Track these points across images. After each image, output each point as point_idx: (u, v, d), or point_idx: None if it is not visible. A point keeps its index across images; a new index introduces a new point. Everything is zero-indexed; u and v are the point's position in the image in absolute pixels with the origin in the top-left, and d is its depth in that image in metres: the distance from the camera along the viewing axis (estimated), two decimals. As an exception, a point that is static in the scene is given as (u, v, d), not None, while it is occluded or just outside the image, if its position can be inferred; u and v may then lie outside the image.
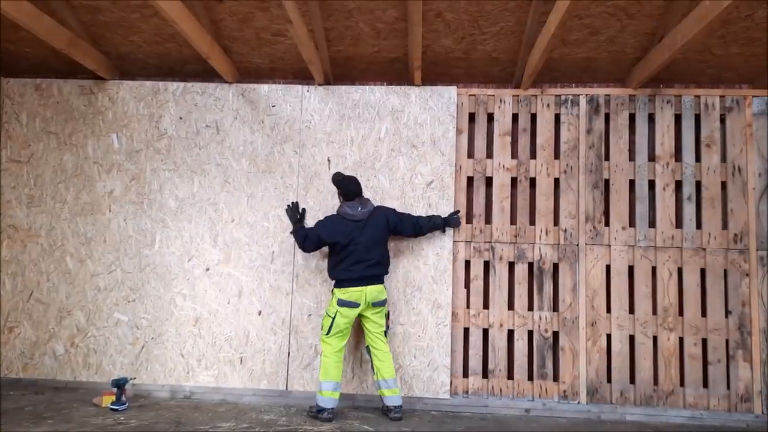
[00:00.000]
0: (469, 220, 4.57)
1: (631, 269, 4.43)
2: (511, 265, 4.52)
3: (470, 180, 4.63)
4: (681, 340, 4.34)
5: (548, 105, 4.61)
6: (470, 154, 4.65)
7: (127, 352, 4.50)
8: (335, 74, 4.77)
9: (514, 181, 4.60)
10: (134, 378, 4.35)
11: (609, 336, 4.38)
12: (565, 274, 4.45)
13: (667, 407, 4.26)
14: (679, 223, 4.46)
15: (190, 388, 4.43)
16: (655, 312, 4.38)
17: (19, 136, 4.76)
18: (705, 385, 4.29)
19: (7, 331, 4.58)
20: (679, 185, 4.49)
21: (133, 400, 4.21)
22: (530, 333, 4.44)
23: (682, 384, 4.31)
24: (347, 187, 4.15)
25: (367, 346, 4.10)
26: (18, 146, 4.75)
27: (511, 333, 4.46)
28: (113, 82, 4.79)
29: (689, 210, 4.44)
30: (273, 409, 4.15)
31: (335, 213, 4.16)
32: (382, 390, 4.00)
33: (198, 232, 4.58)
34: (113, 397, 3.96)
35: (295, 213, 4.43)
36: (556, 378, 4.39)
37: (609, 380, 4.34)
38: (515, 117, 4.65)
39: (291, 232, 4.36)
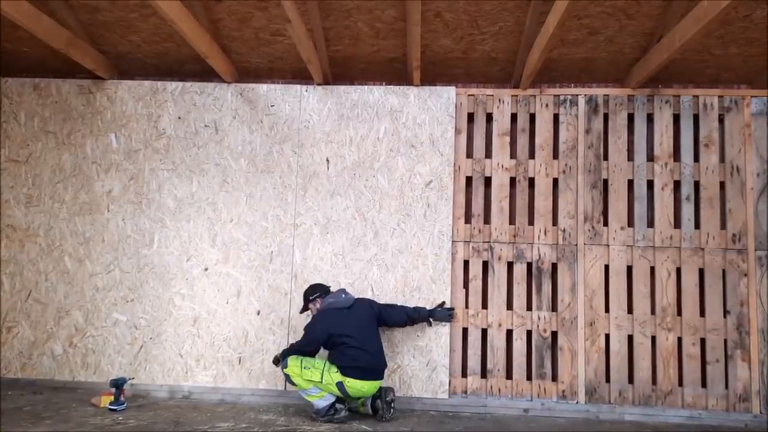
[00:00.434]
0: (467, 220, 4.58)
1: (629, 269, 4.44)
2: (510, 265, 4.52)
3: (469, 180, 4.63)
4: (679, 340, 4.34)
5: (547, 105, 4.61)
6: (469, 154, 4.65)
7: (125, 352, 4.50)
8: (334, 74, 4.76)
9: (512, 181, 4.60)
10: (133, 378, 4.35)
11: (607, 336, 4.38)
12: (564, 274, 4.45)
13: (665, 407, 4.26)
14: (677, 223, 4.47)
15: (188, 388, 4.43)
16: (653, 312, 4.38)
17: (18, 135, 4.75)
18: (703, 384, 4.29)
19: (5, 331, 4.57)
20: (677, 185, 4.49)
21: (132, 400, 4.20)
22: (529, 333, 4.45)
23: (680, 384, 4.31)
24: (319, 287, 4.11)
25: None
26: (16, 146, 4.74)
27: (509, 333, 4.46)
28: (112, 81, 4.78)
29: (688, 210, 4.44)
30: (271, 408, 4.15)
31: (319, 313, 4.01)
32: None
33: (197, 232, 4.58)
34: (112, 397, 3.95)
35: (276, 356, 4.13)
36: (554, 378, 4.40)
37: (608, 380, 4.34)
38: (514, 117, 4.65)
39: (282, 368, 3.93)
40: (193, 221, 4.59)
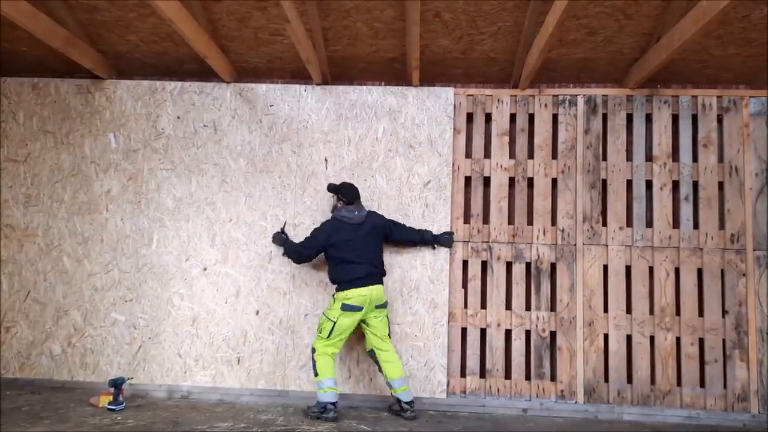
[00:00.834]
0: (466, 220, 4.58)
1: (628, 269, 4.44)
2: (509, 265, 4.53)
3: (468, 180, 4.63)
4: (678, 339, 4.35)
5: (546, 105, 4.61)
6: (468, 154, 4.65)
7: (124, 351, 4.49)
8: (333, 74, 4.76)
9: (511, 181, 4.60)
10: (131, 378, 4.34)
11: (606, 336, 4.38)
12: (563, 274, 4.45)
13: (664, 407, 4.27)
14: (676, 223, 4.47)
15: (187, 388, 4.42)
16: (652, 312, 4.38)
17: (16, 135, 4.75)
18: (702, 384, 4.30)
19: (3, 331, 4.57)
20: (676, 185, 4.50)
21: (131, 400, 4.20)
22: (528, 333, 4.45)
23: (679, 384, 4.32)
24: (349, 192, 4.20)
25: (371, 350, 4.07)
26: (15, 145, 4.74)
27: (508, 333, 4.46)
28: (110, 81, 4.78)
29: (686, 210, 4.45)
30: (270, 409, 4.15)
31: (329, 219, 4.20)
32: (394, 389, 3.98)
33: (195, 232, 4.58)
34: (110, 397, 3.94)
35: (280, 235, 4.42)
36: (553, 378, 4.40)
37: (606, 380, 4.35)
38: (513, 117, 4.66)
39: (283, 254, 4.41)
40: (192, 221, 4.59)
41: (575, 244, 4.47)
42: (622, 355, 4.35)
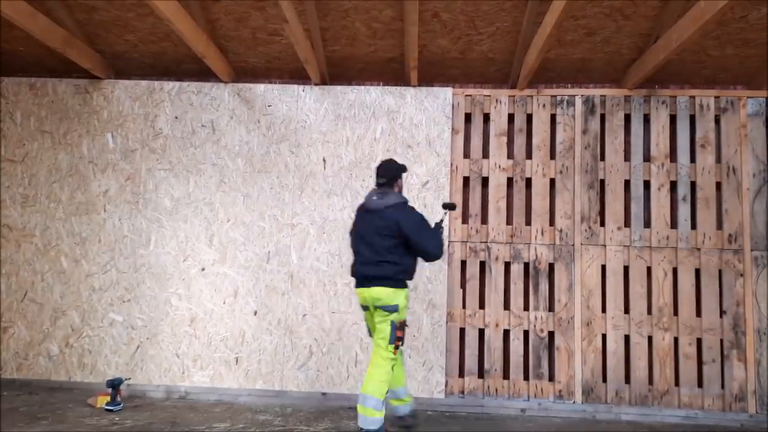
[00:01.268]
0: (465, 221, 4.58)
1: (626, 269, 4.44)
2: (507, 265, 4.53)
3: (466, 180, 4.63)
4: (676, 339, 4.35)
5: (544, 105, 4.62)
6: (466, 154, 4.65)
7: (122, 352, 4.49)
8: (331, 74, 4.76)
9: (510, 182, 4.61)
10: (129, 378, 4.34)
11: (604, 336, 4.39)
12: (561, 274, 4.46)
13: (662, 407, 4.27)
14: (674, 224, 4.48)
15: (185, 389, 4.42)
16: (650, 312, 4.39)
17: (14, 135, 4.74)
18: (700, 384, 4.30)
19: (1, 332, 4.55)
20: (674, 186, 4.51)
21: (128, 400, 4.19)
22: (526, 333, 4.45)
23: (676, 384, 4.32)
24: (380, 168, 3.70)
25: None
26: (12, 145, 4.73)
27: (506, 333, 4.46)
28: (108, 81, 4.77)
29: (684, 210, 4.45)
30: (268, 409, 4.14)
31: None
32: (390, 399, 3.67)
33: (193, 232, 4.57)
34: (108, 398, 3.94)
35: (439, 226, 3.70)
36: (551, 378, 4.40)
37: (604, 380, 4.35)
38: (511, 117, 4.66)
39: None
40: (190, 221, 4.59)
41: (573, 245, 4.47)
42: (620, 355, 4.36)
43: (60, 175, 4.68)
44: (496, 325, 4.45)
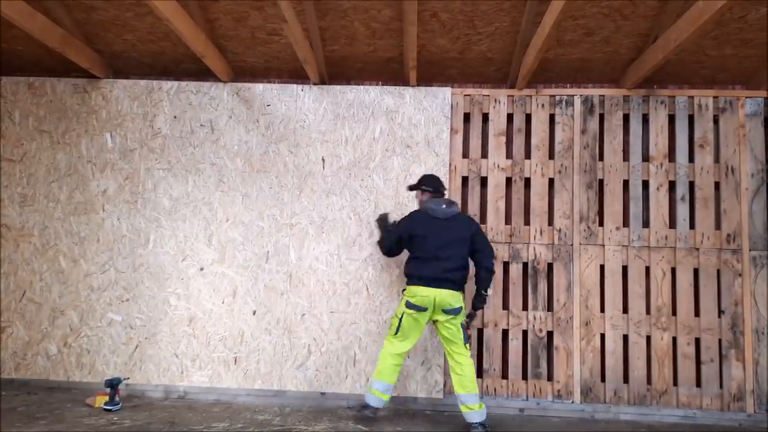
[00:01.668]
0: (463, 220, 4.58)
1: (624, 269, 4.45)
2: (506, 265, 4.53)
3: (465, 180, 4.63)
4: (674, 339, 4.36)
5: (543, 105, 4.62)
6: (465, 154, 4.66)
7: (120, 352, 4.48)
8: (330, 74, 4.76)
9: (508, 181, 4.61)
10: (128, 378, 4.34)
11: (603, 335, 4.39)
12: (560, 273, 4.46)
13: (660, 406, 4.28)
14: (672, 224, 4.48)
15: (184, 388, 4.42)
16: (648, 312, 4.39)
17: (12, 134, 4.73)
18: (698, 384, 4.31)
19: (-1, 331, 4.56)
20: (672, 185, 4.51)
21: (127, 400, 4.19)
22: (525, 333, 4.45)
23: (675, 383, 4.33)
24: (431, 180, 4.03)
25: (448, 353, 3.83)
26: (11, 145, 4.72)
27: (505, 333, 4.47)
28: (107, 80, 4.76)
29: (683, 210, 4.46)
30: (267, 409, 4.14)
31: (413, 212, 4.00)
32: (459, 405, 3.72)
33: (192, 232, 4.57)
34: (106, 398, 3.94)
35: (386, 220, 4.21)
36: (550, 377, 4.40)
37: (603, 379, 4.35)
38: (510, 117, 4.66)
39: (377, 242, 4.20)
40: (189, 221, 4.58)
41: (572, 244, 4.47)
42: (618, 354, 4.36)
43: (58, 174, 4.68)
44: (495, 325, 4.45)
